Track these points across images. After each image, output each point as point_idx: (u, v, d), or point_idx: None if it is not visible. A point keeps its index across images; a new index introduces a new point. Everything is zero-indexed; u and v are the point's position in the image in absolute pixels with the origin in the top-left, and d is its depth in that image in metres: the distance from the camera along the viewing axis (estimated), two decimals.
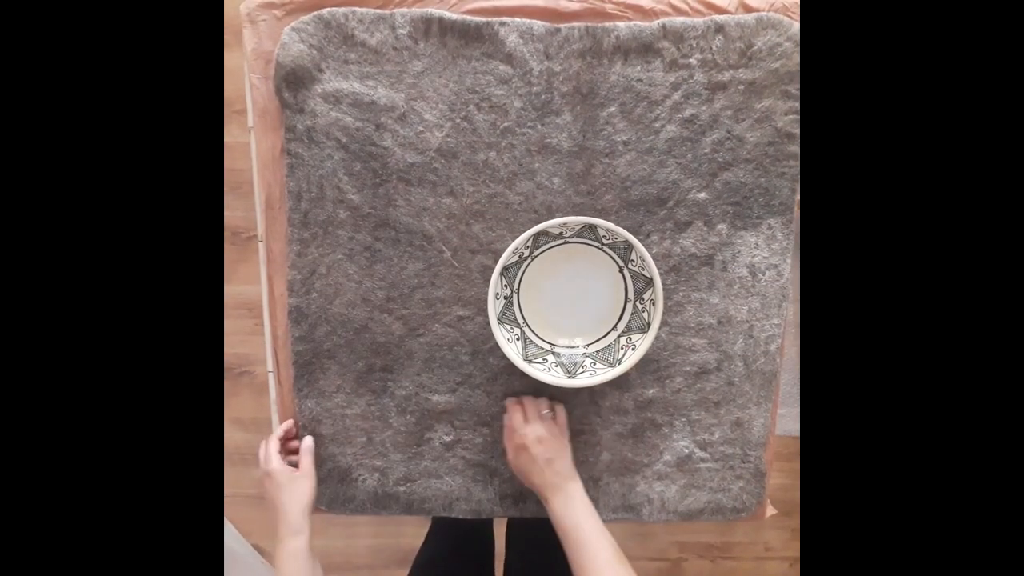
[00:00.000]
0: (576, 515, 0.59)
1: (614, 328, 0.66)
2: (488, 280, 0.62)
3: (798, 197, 0.67)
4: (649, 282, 0.62)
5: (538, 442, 0.62)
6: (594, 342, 0.66)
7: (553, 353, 0.66)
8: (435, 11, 0.62)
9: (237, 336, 1.38)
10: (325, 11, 0.62)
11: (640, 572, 0.55)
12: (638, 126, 0.64)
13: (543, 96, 0.64)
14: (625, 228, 0.61)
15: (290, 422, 0.70)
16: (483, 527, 0.91)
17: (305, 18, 0.62)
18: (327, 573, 0.63)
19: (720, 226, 0.66)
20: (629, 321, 0.65)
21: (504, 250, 0.61)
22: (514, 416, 0.65)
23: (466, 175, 0.65)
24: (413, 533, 0.90)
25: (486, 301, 0.63)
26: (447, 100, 0.64)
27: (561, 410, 0.67)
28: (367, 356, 0.68)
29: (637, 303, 0.65)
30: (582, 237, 0.63)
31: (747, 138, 0.64)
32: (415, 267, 0.67)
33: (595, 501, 0.70)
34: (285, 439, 0.68)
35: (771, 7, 0.63)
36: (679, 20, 0.62)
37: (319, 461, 0.70)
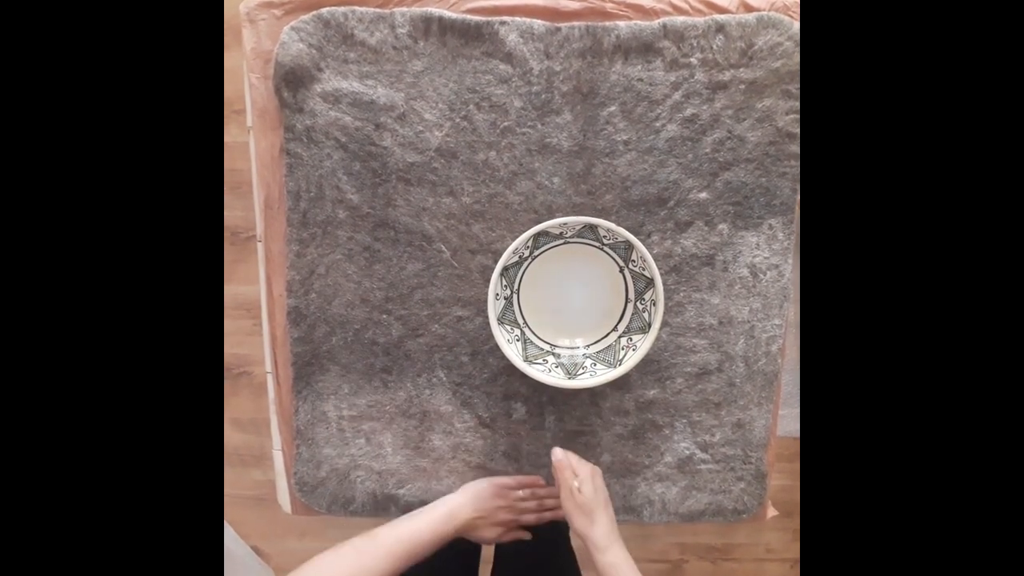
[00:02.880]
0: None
1: (615, 328, 0.66)
2: (488, 280, 0.62)
3: (799, 197, 0.66)
4: (650, 282, 0.62)
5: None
6: (595, 343, 0.66)
7: (553, 354, 0.66)
8: (435, 10, 0.62)
9: (236, 336, 1.37)
10: (325, 10, 0.62)
11: (641, 574, 0.55)
12: (638, 126, 0.64)
13: (543, 95, 0.63)
14: (625, 228, 0.61)
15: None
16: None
17: (305, 17, 0.62)
18: None
19: (721, 226, 0.66)
20: (630, 321, 0.65)
21: (504, 250, 0.61)
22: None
23: (466, 175, 0.65)
24: None
25: (486, 301, 0.63)
26: (447, 100, 0.64)
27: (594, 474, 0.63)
28: (366, 357, 0.68)
29: (638, 303, 0.65)
30: (582, 237, 0.63)
31: (748, 138, 0.64)
32: (414, 267, 0.66)
33: None
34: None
35: (772, 6, 0.63)
36: (680, 19, 0.62)
37: (317, 463, 0.70)
